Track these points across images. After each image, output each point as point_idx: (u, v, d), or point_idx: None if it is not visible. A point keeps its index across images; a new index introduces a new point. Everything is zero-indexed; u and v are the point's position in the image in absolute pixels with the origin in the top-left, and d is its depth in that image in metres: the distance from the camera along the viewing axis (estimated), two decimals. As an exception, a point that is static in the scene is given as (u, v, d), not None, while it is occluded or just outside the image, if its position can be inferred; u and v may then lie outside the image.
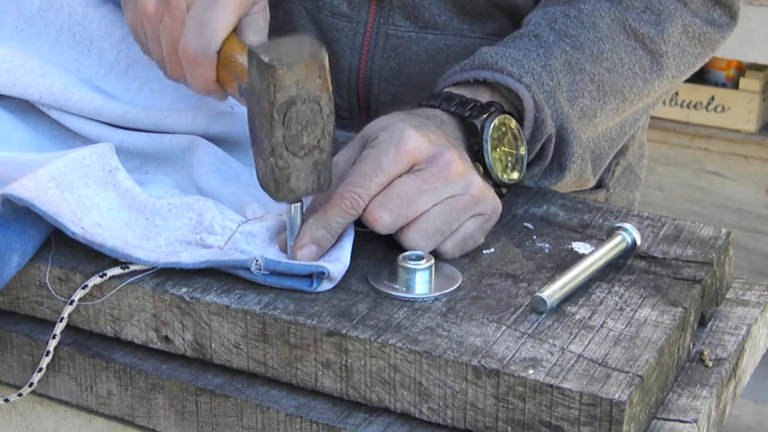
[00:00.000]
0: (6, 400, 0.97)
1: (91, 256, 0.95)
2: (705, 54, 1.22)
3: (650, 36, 1.15)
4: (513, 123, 1.06)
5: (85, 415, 0.98)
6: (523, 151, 1.07)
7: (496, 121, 1.04)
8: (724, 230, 1.02)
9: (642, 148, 1.46)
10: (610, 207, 1.06)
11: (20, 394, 0.96)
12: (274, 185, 0.92)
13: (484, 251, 0.98)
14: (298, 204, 0.93)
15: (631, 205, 1.43)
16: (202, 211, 0.97)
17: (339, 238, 0.95)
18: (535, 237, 1.00)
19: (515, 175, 1.06)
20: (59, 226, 0.94)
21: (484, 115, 1.04)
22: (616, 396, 0.79)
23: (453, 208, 0.95)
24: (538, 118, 1.06)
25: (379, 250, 0.97)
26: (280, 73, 0.87)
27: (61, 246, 0.96)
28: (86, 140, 1.09)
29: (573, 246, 0.99)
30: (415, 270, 0.91)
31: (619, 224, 0.97)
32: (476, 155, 1.03)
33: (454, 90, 1.08)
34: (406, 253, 0.92)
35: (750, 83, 2.84)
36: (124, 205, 0.98)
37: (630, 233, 0.96)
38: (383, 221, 0.94)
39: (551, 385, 0.81)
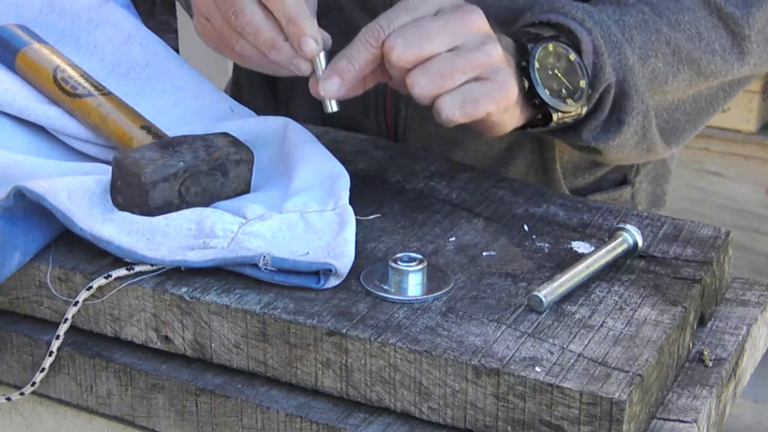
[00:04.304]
0: (8, 399, 0.97)
1: (91, 256, 0.95)
2: None
3: (734, 17, 1.12)
4: (573, 56, 1.05)
5: (85, 415, 0.98)
6: (583, 84, 1.05)
7: (549, 45, 1.04)
8: (723, 230, 1.02)
9: None
10: (610, 206, 1.06)
11: (22, 393, 0.96)
12: None
13: (484, 253, 0.98)
14: (322, 53, 0.98)
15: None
16: (201, 219, 0.96)
17: (341, 229, 0.95)
18: (534, 236, 1.01)
19: (571, 106, 1.05)
20: (67, 222, 0.94)
21: (537, 40, 1.04)
22: (616, 395, 0.80)
23: (463, 57, 0.96)
24: (596, 63, 1.05)
25: (378, 250, 0.97)
26: None
27: (61, 246, 0.96)
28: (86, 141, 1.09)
29: (573, 245, 0.99)
30: (407, 272, 0.91)
31: (622, 225, 0.96)
32: (523, 71, 1.03)
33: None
34: (398, 255, 0.92)
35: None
36: (123, 232, 0.96)
37: (632, 235, 0.96)
38: (397, 50, 0.95)
39: (551, 385, 0.81)
